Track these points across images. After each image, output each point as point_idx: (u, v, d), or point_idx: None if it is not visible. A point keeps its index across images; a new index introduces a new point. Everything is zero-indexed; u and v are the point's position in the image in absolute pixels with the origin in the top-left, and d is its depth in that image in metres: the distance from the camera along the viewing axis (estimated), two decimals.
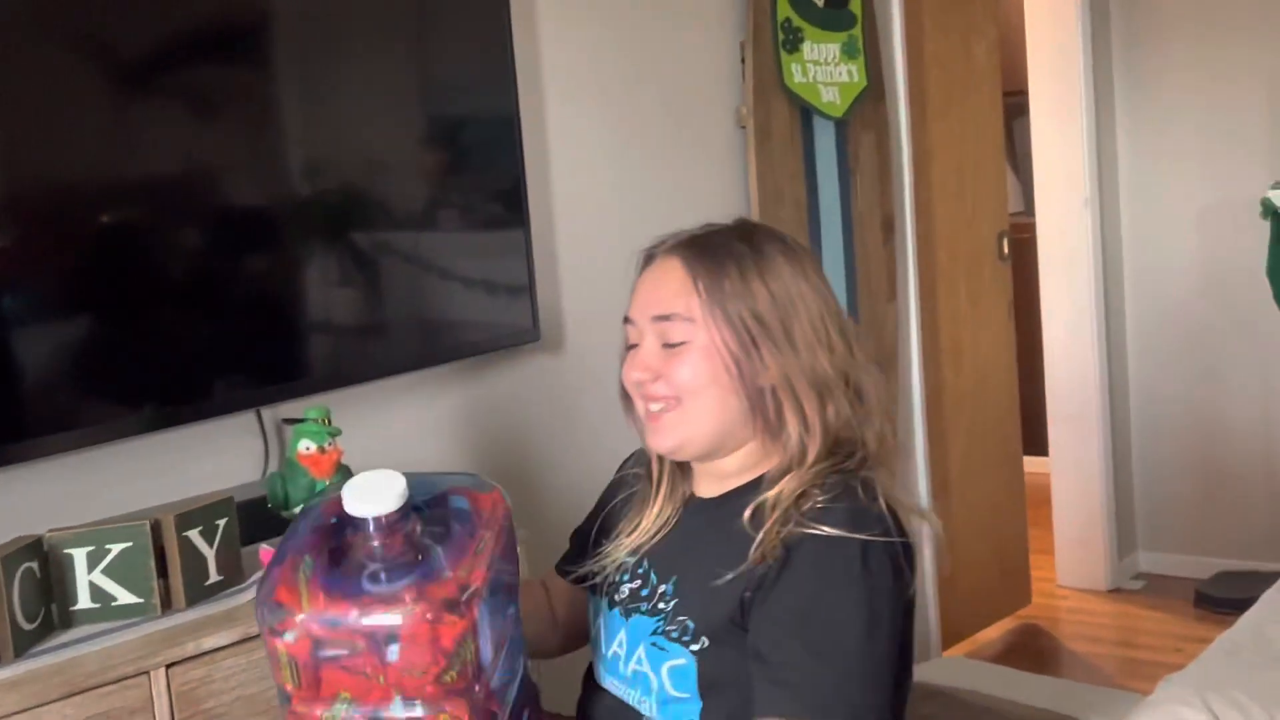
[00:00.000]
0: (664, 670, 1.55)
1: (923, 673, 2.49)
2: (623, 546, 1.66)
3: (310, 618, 1.38)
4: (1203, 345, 4.62)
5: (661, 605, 1.58)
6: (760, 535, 1.49)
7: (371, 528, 1.42)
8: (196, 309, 2.15)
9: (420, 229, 2.50)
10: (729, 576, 1.50)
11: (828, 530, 1.46)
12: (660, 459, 1.66)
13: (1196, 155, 4.57)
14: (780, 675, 1.44)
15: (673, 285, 1.57)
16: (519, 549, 1.57)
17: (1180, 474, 4.71)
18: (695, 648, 1.53)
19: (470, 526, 1.47)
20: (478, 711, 1.43)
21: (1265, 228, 3.95)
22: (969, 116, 4.15)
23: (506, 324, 2.60)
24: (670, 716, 1.56)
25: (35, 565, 1.75)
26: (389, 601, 1.37)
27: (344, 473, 2.08)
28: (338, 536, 1.44)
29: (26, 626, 1.72)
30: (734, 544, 1.52)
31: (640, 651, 1.58)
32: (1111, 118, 4.68)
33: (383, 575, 1.40)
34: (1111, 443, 4.67)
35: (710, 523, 1.59)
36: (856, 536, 1.46)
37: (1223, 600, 4.31)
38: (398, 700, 1.40)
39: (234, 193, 2.21)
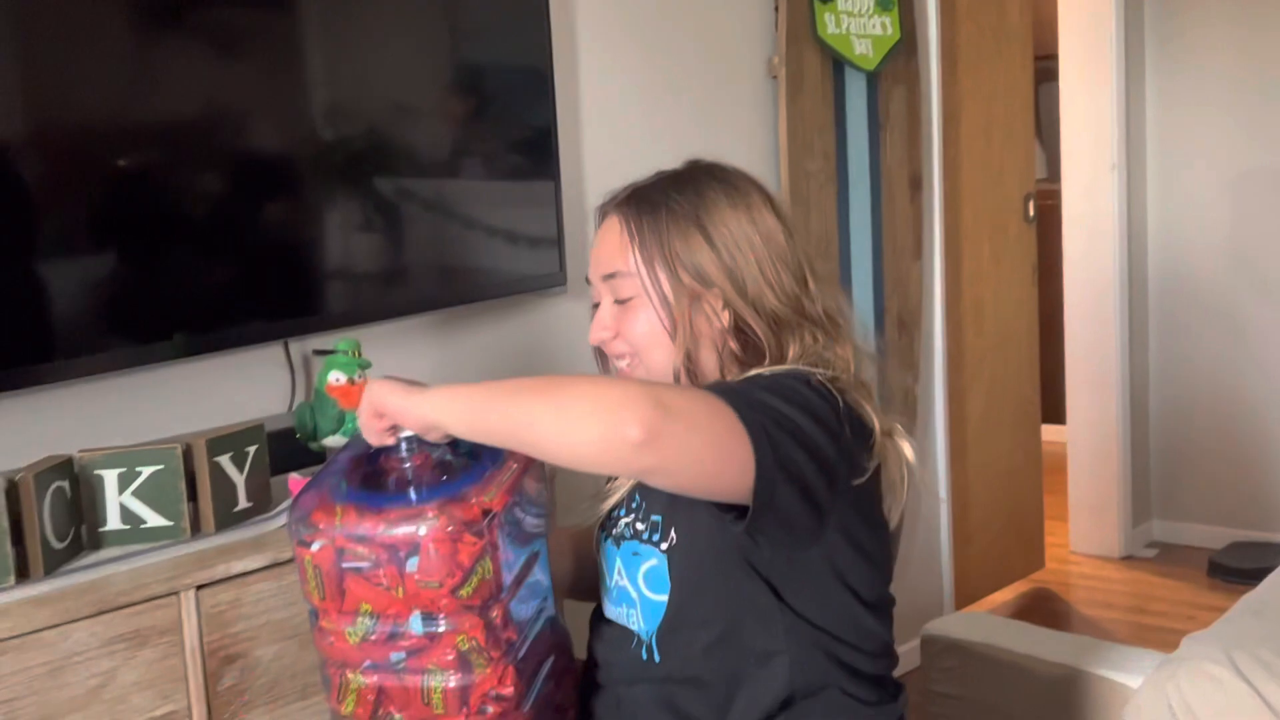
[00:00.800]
0: (640, 575, 1.59)
1: (941, 626, 2.50)
2: (618, 487, 1.68)
3: (337, 529, 1.44)
4: (1226, 314, 4.60)
5: (640, 525, 1.62)
6: None
7: (403, 449, 1.50)
8: (226, 242, 2.15)
9: (447, 178, 2.49)
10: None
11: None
12: None
13: (1227, 122, 4.53)
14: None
15: (613, 243, 1.61)
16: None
17: (1198, 443, 4.70)
18: (665, 546, 1.56)
19: (500, 459, 1.51)
20: (493, 633, 1.47)
21: None
22: (999, 75, 4.12)
23: (532, 270, 2.59)
24: (652, 620, 1.58)
25: (66, 485, 1.75)
26: (411, 515, 1.43)
27: None
28: (373, 464, 1.52)
29: (56, 545, 1.72)
30: None
31: (620, 566, 1.62)
32: (1141, 82, 4.64)
33: (409, 492, 1.47)
34: (1130, 410, 4.65)
35: None
36: (788, 367, 1.52)
37: (1236, 570, 4.31)
38: (415, 616, 1.45)
39: (263, 132, 2.20)
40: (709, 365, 1.60)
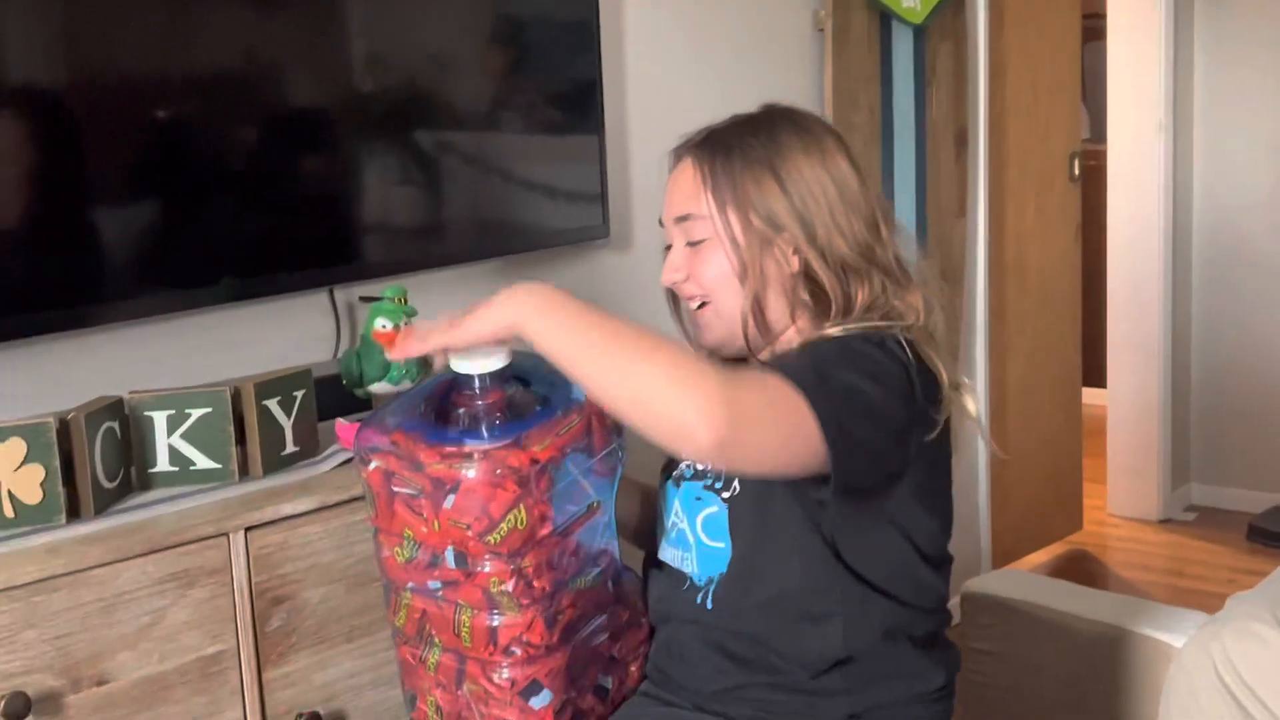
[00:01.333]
0: (699, 521, 1.59)
1: (980, 584, 2.49)
2: None
3: (394, 451, 1.49)
4: (1270, 277, 4.55)
5: (701, 466, 1.62)
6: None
7: (475, 385, 1.51)
8: (271, 190, 2.16)
9: (493, 129, 2.48)
10: None
11: (829, 333, 1.52)
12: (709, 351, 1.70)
13: (1275, 83, 4.47)
14: (769, 364, 1.50)
15: (686, 186, 1.61)
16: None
17: (1239, 407, 4.66)
18: (726, 495, 1.57)
19: (569, 406, 1.53)
20: (524, 580, 1.49)
21: None
22: (1047, 32, 4.07)
23: (576, 222, 2.59)
24: (708, 567, 1.59)
25: (116, 426, 1.76)
26: (462, 454, 1.46)
27: None
28: (447, 398, 1.54)
29: (106, 485, 1.73)
30: None
31: (679, 507, 1.63)
32: (1190, 41, 4.58)
33: (473, 430, 1.49)
34: (1171, 372, 4.62)
35: None
36: (858, 325, 1.51)
37: (1275, 534, 4.29)
38: (450, 550, 1.49)
39: (305, 83, 2.20)
40: (778, 311, 1.59)
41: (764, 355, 1.64)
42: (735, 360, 1.66)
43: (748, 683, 1.55)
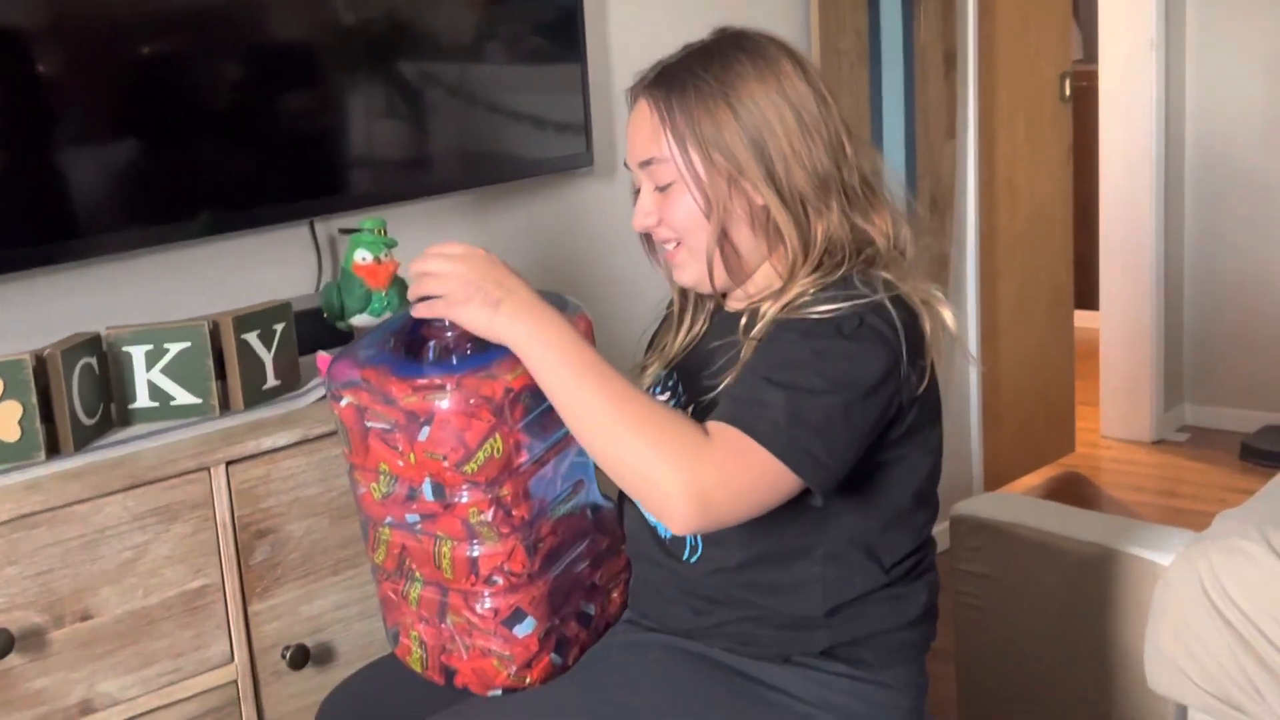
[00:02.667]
0: None
1: (970, 507, 2.50)
2: (654, 364, 1.68)
3: (365, 387, 1.48)
4: (1263, 197, 4.53)
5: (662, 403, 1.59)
6: (750, 338, 1.50)
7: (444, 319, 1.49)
8: (250, 123, 2.13)
9: (473, 59, 2.45)
10: (721, 379, 1.51)
11: (815, 312, 1.46)
12: (676, 294, 1.69)
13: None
14: (734, 390, 1.45)
15: (645, 129, 1.57)
16: None
17: (1231, 327, 4.65)
18: None
19: None
20: (503, 509, 1.49)
21: None
22: None
23: (559, 151, 2.56)
24: None
25: (94, 361, 1.75)
26: (435, 385, 1.45)
27: (401, 285, 2.07)
28: (417, 331, 1.53)
29: (86, 421, 1.72)
30: (739, 351, 1.52)
31: None
32: None
33: (444, 361, 1.48)
34: (1164, 293, 4.61)
35: (725, 332, 1.59)
36: (842, 305, 1.45)
37: (1268, 453, 4.29)
38: (427, 483, 1.48)
39: (286, 14, 2.17)
40: (748, 247, 1.55)
41: (738, 298, 1.61)
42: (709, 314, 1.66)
43: (726, 620, 1.54)
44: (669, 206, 1.56)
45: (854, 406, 1.42)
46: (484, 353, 1.47)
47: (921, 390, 1.51)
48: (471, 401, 1.44)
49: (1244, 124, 4.53)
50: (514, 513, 1.49)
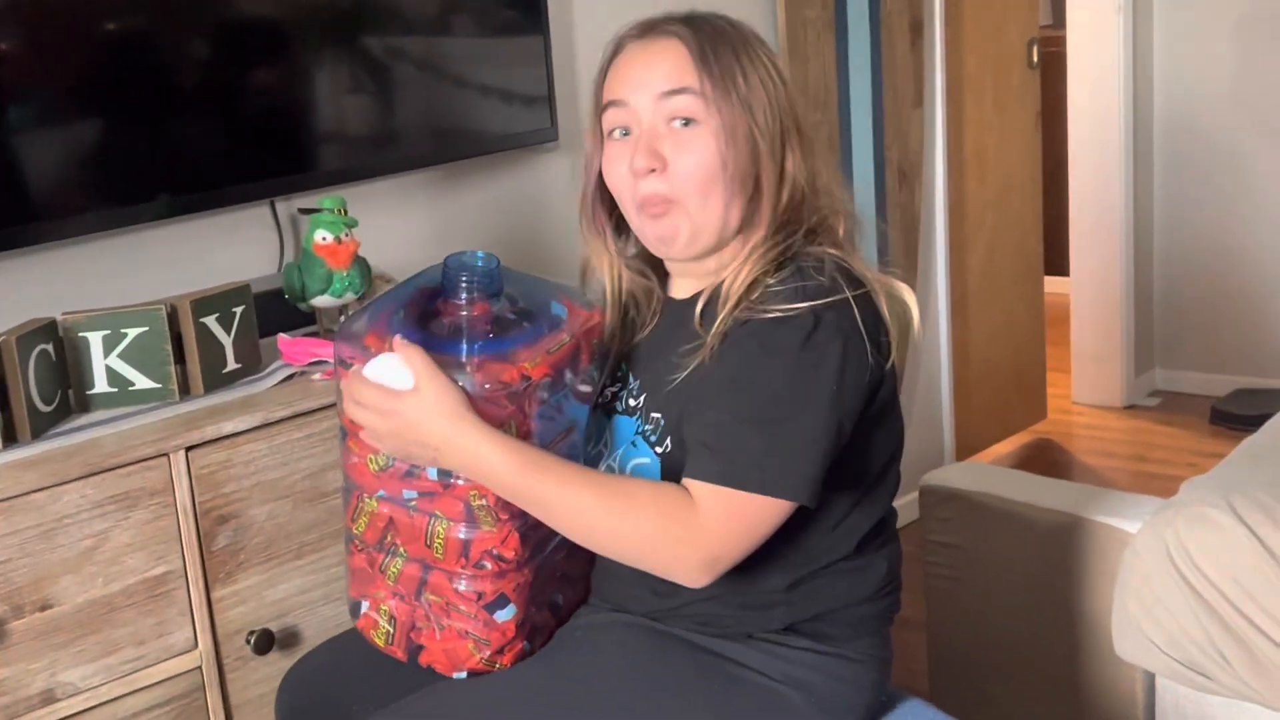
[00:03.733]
0: (629, 467, 1.56)
1: (939, 477, 2.49)
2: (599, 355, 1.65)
3: (366, 355, 1.46)
4: (1232, 160, 4.53)
5: (633, 403, 1.58)
6: (712, 329, 1.47)
7: (463, 293, 1.48)
8: (210, 101, 2.10)
9: (435, 33, 2.42)
10: (683, 375, 1.49)
11: (772, 311, 1.44)
12: (613, 276, 1.63)
13: None
14: (707, 438, 1.44)
15: (679, 59, 1.50)
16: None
17: (1201, 291, 4.66)
18: (659, 450, 1.53)
19: (556, 329, 1.50)
20: None
21: None
22: None
23: (524, 126, 2.53)
24: None
25: (50, 348, 1.73)
26: (452, 365, 1.43)
27: (362, 265, 2.05)
28: (431, 304, 1.51)
29: (43, 408, 1.70)
30: (694, 340, 1.50)
31: (610, 438, 1.60)
32: None
33: (460, 341, 1.46)
34: (1134, 258, 4.61)
35: (679, 323, 1.57)
36: (798, 306, 1.42)
37: (1239, 417, 4.31)
38: None
39: None
40: (735, 216, 1.52)
41: (688, 279, 1.59)
42: (647, 272, 1.63)
43: (687, 601, 1.54)
44: (683, 150, 1.49)
45: (828, 414, 1.42)
46: (504, 337, 1.47)
47: (889, 365, 1.50)
48: (488, 386, 1.43)
49: (1212, 88, 4.53)
50: None
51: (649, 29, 1.55)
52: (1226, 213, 4.57)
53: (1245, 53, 4.45)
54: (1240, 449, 2.21)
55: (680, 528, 1.40)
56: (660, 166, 1.49)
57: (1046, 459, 4.25)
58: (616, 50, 1.56)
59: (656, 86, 1.50)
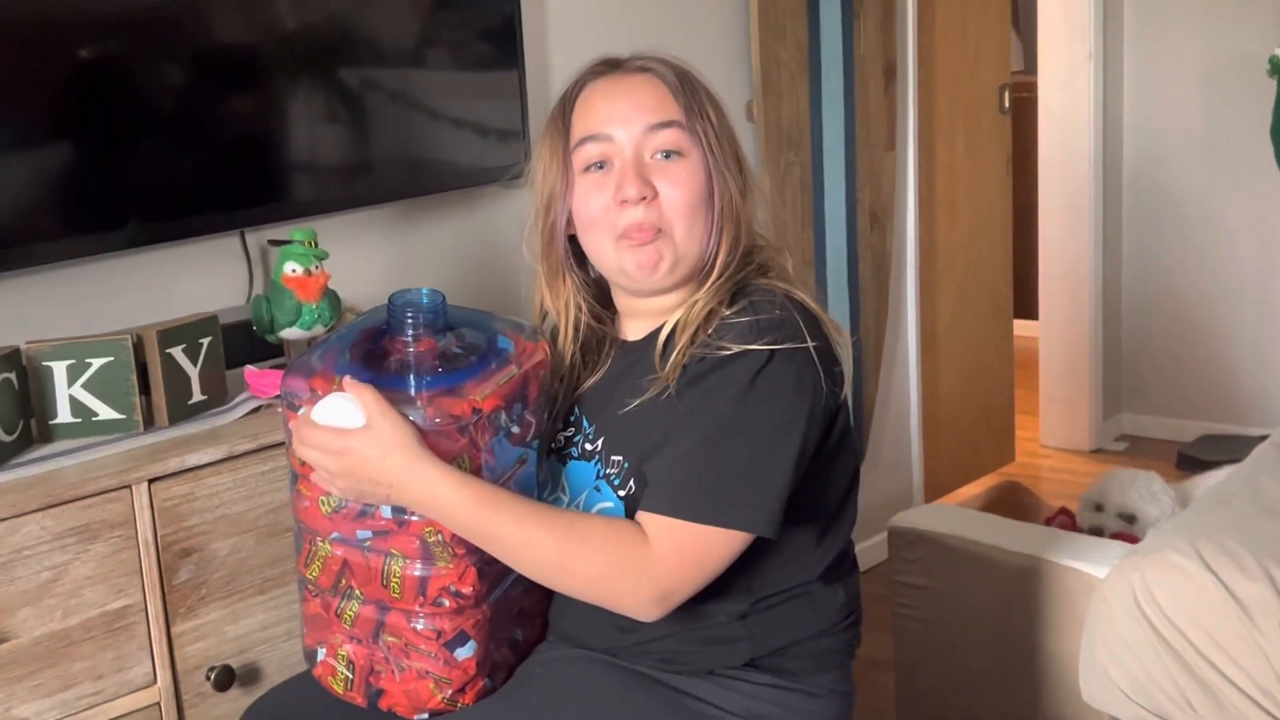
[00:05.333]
0: (594, 511, 1.55)
1: (908, 518, 2.50)
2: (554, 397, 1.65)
3: (315, 398, 1.45)
4: (1200, 208, 4.57)
5: (589, 447, 1.58)
6: (669, 362, 1.48)
7: (409, 329, 1.48)
8: (181, 130, 2.09)
9: (409, 65, 2.42)
10: (635, 403, 1.50)
11: (729, 348, 1.45)
12: (570, 317, 1.63)
13: (1203, 11, 4.46)
14: (661, 472, 1.45)
15: (662, 95, 1.53)
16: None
17: (1169, 337, 4.69)
18: (623, 493, 1.52)
19: (504, 358, 1.50)
20: None
21: (1272, 87, 3.88)
22: None
23: (496, 161, 2.53)
24: None
25: (13, 377, 1.71)
26: (401, 401, 1.43)
27: (332, 298, 2.04)
28: (377, 343, 1.51)
29: (5, 438, 1.68)
30: (649, 377, 1.51)
31: (566, 484, 1.59)
32: None
33: (408, 377, 1.45)
34: (1102, 303, 4.64)
35: (633, 363, 1.57)
36: (754, 348, 1.44)
37: (1205, 462, 4.32)
38: None
39: (224, 19, 2.13)
40: (717, 245, 1.54)
41: (640, 321, 1.60)
42: (597, 316, 1.64)
43: (648, 638, 1.53)
44: (671, 181, 1.51)
45: (784, 445, 1.43)
46: (452, 372, 1.46)
47: (842, 396, 1.51)
48: (439, 420, 1.42)
49: (1182, 136, 4.57)
50: None
51: (618, 66, 1.57)
52: (1194, 259, 4.60)
53: (1214, 102, 4.49)
54: (1209, 494, 2.22)
55: (633, 561, 1.41)
56: (651, 195, 1.51)
57: (1014, 501, 4.25)
58: (581, 88, 1.58)
59: (643, 120, 1.52)
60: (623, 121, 1.52)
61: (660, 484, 1.44)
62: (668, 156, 1.52)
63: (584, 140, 1.54)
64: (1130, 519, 3.07)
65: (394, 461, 1.40)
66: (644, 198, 1.50)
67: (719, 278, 1.53)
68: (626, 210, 1.51)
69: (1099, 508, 3.14)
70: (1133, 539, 2.77)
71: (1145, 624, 1.88)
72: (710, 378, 1.45)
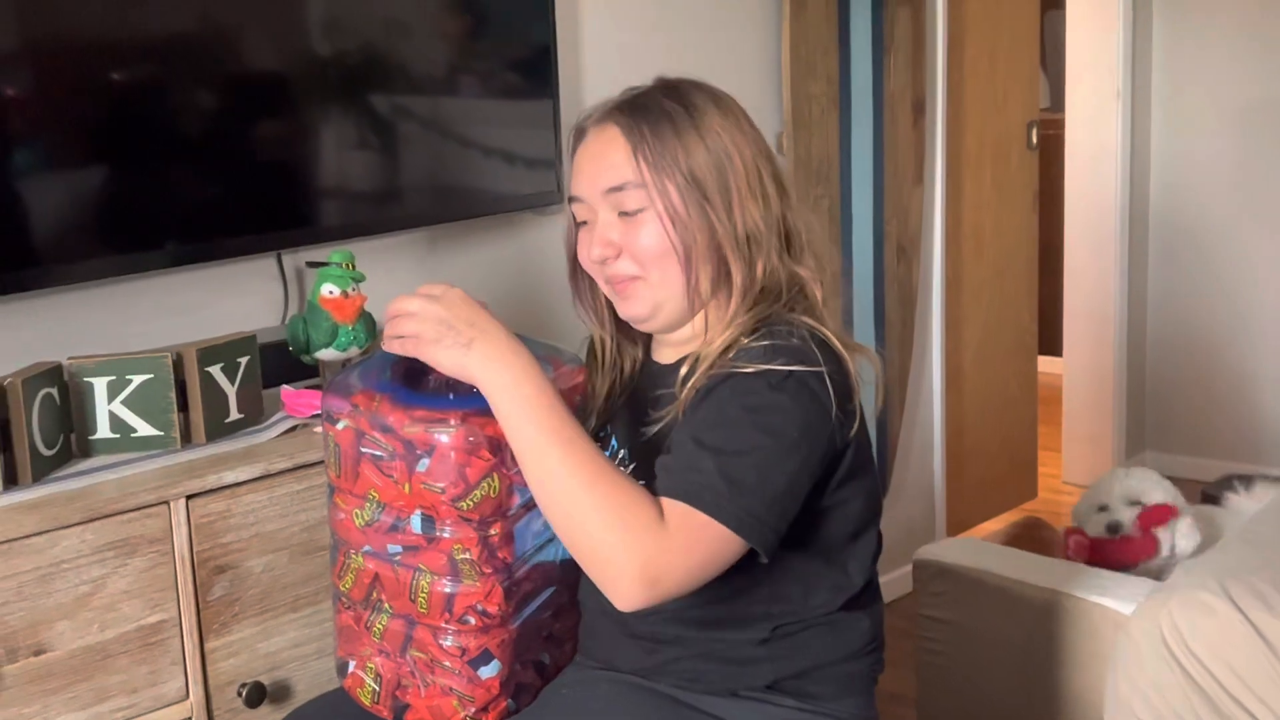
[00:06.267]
0: None
1: (932, 552, 2.50)
2: (590, 417, 1.66)
3: (364, 414, 1.48)
4: (1226, 247, 4.57)
5: (620, 468, 1.58)
6: (688, 386, 1.49)
7: None
8: (219, 153, 2.12)
9: (445, 94, 2.45)
10: (657, 427, 1.52)
11: (744, 368, 1.45)
12: (604, 337, 1.67)
13: (1232, 52, 4.47)
14: (669, 463, 1.44)
15: (617, 154, 1.55)
16: None
17: (1193, 376, 4.68)
18: None
19: None
20: (489, 549, 1.48)
21: None
22: (1005, 0, 4.06)
23: (529, 188, 2.56)
24: None
25: (55, 392, 1.73)
26: (437, 418, 1.45)
27: (368, 320, 2.06)
28: (416, 362, 1.50)
29: (45, 452, 1.70)
30: (673, 402, 1.53)
31: None
32: (1148, 10, 4.58)
33: (445, 395, 1.48)
34: (1127, 341, 4.64)
35: (661, 386, 1.59)
36: (770, 367, 1.44)
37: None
38: (417, 515, 1.48)
39: (259, 45, 2.16)
40: (706, 282, 1.55)
41: (668, 348, 1.61)
42: (629, 336, 1.66)
43: (672, 658, 1.54)
44: (635, 234, 1.54)
45: (789, 461, 1.43)
46: (481, 396, 1.46)
47: (854, 434, 1.51)
48: (471, 439, 1.44)
49: (1208, 175, 4.58)
50: (499, 554, 1.49)
51: (591, 118, 1.60)
52: (1220, 298, 4.60)
53: (1241, 141, 4.50)
54: (1237, 533, 2.22)
55: (640, 529, 1.37)
56: (614, 254, 1.55)
57: (1036, 538, 4.23)
58: (575, 139, 1.62)
59: (601, 184, 1.55)
60: (587, 184, 1.57)
61: (677, 472, 1.43)
62: (627, 215, 1.54)
63: (570, 199, 1.61)
64: (1136, 503, 3.06)
65: (485, 317, 1.45)
66: (607, 258, 1.56)
67: (740, 310, 1.53)
68: (604, 265, 1.57)
69: (1103, 508, 3.13)
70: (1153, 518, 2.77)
71: (1172, 662, 1.88)
72: (724, 388, 1.45)
